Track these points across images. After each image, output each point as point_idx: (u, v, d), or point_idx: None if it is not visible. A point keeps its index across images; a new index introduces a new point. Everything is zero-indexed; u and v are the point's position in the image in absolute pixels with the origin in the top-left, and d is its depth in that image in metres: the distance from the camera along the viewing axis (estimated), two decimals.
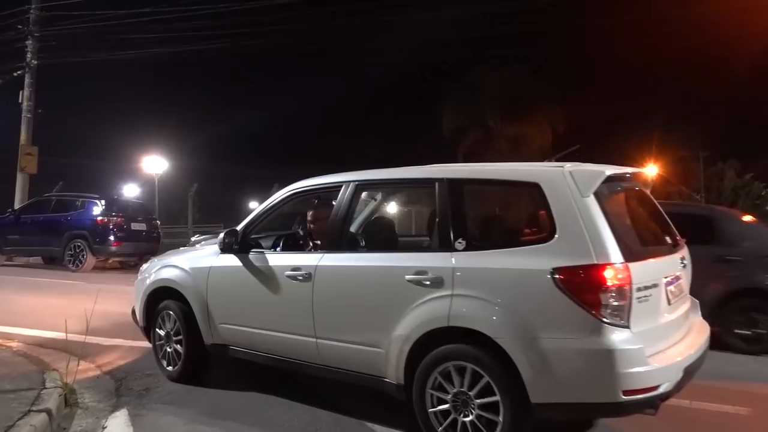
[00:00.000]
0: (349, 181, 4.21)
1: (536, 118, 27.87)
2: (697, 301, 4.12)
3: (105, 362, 5.48)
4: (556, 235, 3.20)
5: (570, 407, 3.14)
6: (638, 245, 3.43)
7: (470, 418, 3.34)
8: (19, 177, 18.97)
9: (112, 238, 13.56)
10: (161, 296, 5.07)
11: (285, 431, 3.88)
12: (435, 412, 3.47)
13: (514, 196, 3.96)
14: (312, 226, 4.91)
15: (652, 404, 3.12)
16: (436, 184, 3.73)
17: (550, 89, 28.24)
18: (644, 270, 3.21)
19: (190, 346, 4.80)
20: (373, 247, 4.27)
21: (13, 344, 5.97)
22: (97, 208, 13.73)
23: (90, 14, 19.05)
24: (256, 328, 4.42)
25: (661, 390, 3.08)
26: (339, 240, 4.12)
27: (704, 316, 4.14)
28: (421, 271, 3.54)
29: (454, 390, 3.40)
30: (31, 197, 17.86)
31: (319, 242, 4.55)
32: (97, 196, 14.10)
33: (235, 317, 4.57)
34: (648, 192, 4.08)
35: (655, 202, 4.10)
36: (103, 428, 3.95)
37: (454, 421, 3.40)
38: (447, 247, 3.53)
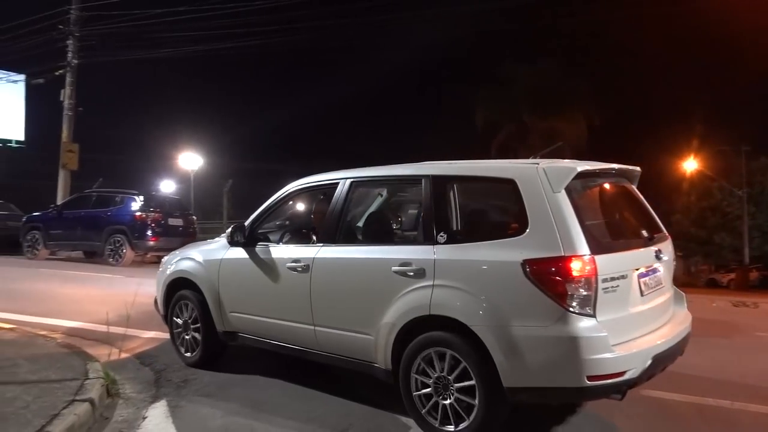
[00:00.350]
0: (345, 178, 4.48)
1: (570, 112, 27.48)
2: (683, 294, 4.27)
3: (145, 353, 5.62)
4: (528, 229, 3.40)
5: (539, 391, 3.33)
6: (608, 238, 3.64)
7: (450, 401, 3.58)
8: (61, 173, 19.50)
9: (149, 233, 13.91)
10: (179, 287, 5.40)
11: (319, 425, 3.92)
12: (419, 395, 3.72)
13: (495, 192, 4.12)
14: (313, 218, 5.10)
15: (618, 390, 3.29)
16: (423, 180, 3.99)
17: (584, 83, 27.83)
18: (612, 262, 3.38)
19: (207, 333, 5.12)
20: (366, 240, 4.48)
21: (57, 335, 6.14)
22: (136, 204, 14.07)
23: (127, 13, 19.48)
24: (262, 316, 4.72)
25: (626, 377, 3.25)
26: (335, 233, 4.36)
27: None
28: (405, 263, 3.79)
29: (436, 375, 3.63)
30: (72, 193, 18.35)
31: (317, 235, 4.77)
32: (135, 192, 14.45)
33: (243, 306, 4.88)
34: (631, 186, 4.22)
35: (638, 196, 4.23)
36: (144, 418, 4.04)
37: (436, 403, 3.63)
38: (430, 240, 3.77)
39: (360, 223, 4.80)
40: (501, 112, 28.54)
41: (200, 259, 5.27)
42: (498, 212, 4.11)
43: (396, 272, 3.80)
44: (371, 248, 4.20)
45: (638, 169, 4.22)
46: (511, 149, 27.62)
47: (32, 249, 15.22)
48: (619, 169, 4.07)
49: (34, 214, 15.94)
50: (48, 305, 8.04)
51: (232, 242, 4.91)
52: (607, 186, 4.05)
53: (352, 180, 4.45)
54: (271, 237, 5.03)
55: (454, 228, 3.80)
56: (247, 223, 4.95)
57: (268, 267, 4.64)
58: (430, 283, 3.64)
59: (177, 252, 5.82)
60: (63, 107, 19.50)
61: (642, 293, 3.60)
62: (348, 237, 4.45)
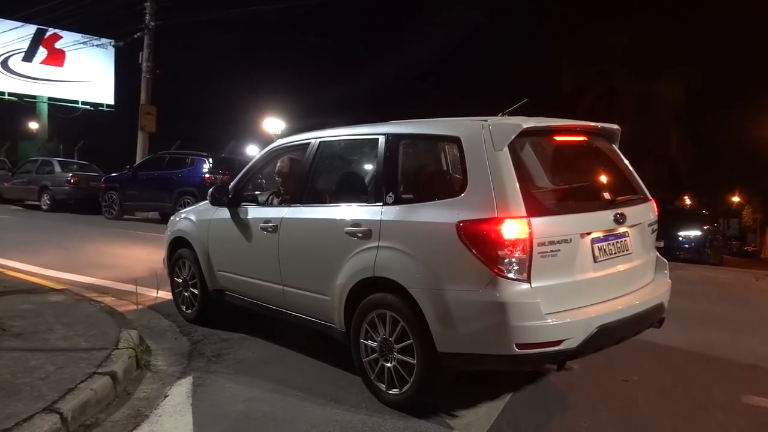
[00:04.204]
0: (314, 138, 4.47)
1: (668, 74, 25.39)
2: (665, 261, 4.05)
3: (187, 323, 5.38)
4: (467, 189, 3.28)
5: (471, 358, 3.23)
6: (552, 200, 3.45)
7: (393, 363, 3.54)
8: (139, 135, 20.04)
9: None
10: (179, 246, 5.57)
11: (350, 415, 3.47)
12: (368, 361, 3.72)
13: (444, 151, 4.11)
14: (280, 180, 5.05)
15: (554, 360, 3.16)
16: (379, 139, 3.89)
17: (685, 41, 25.50)
18: (552, 225, 3.20)
19: (202, 291, 5.28)
20: (328, 200, 4.39)
21: (107, 299, 6.04)
22: (206, 166, 13.99)
23: None
24: (242, 275, 4.84)
25: (563, 347, 3.09)
26: (302, 194, 4.39)
27: None
28: (355, 224, 3.78)
29: (381, 337, 3.60)
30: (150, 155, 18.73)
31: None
32: (205, 153, 14.35)
33: (227, 265, 5.01)
34: (609, 145, 3.98)
35: (616, 156, 3.97)
36: (165, 396, 3.74)
37: (382, 368, 3.61)
38: (379, 200, 3.72)
39: (324, 184, 4.69)
40: (589, 75, 26.81)
41: (195, 218, 5.42)
42: (445, 172, 4.02)
43: (347, 233, 3.79)
44: (329, 209, 4.17)
45: (615, 127, 3.97)
46: (600, 115, 25.96)
47: (109, 209, 15.67)
48: (587, 127, 3.87)
49: (112, 174, 16.40)
50: (108, 267, 8.07)
51: (213, 202, 5.01)
52: (569, 144, 3.87)
53: (320, 140, 4.42)
54: (260, 198, 5.07)
55: (402, 188, 3.73)
56: (231, 184, 5.03)
57: (246, 227, 4.74)
58: (376, 244, 3.61)
59: (181, 212, 5.93)
60: (141, 70, 19.85)
61: (595, 259, 3.39)
62: (313, 197, 4.41)
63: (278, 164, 4.97)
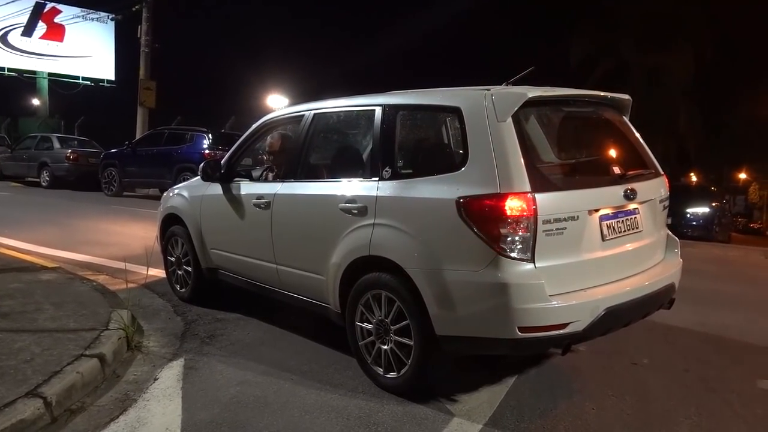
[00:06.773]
0: (308, 110, 4.27)
1: (679, 46, 24.82)
2: (676, 240, 3.87)
3: (182, 302, 5.24)
4: (468, 163, 3.10)
5: (471, 341, 3.08)
6: (558, 174, 3.30)
7: (389, 346, 3.40)
8: (139, 111, 19.76)
9: None
10: (171, 223, 5.41)
11: (346, 400, 3.31)
12: (364, 344, 3.57)
13: (444, 122, 3.89)
14: (271, 156, 4.92)
15: (559, 344, 2.99)
16: (375, 110, 3.71)
17: (699, 10, 24.84)
18: (557, 201, 3.03)
19: (195, 269, 5.14)
20: (322, 175, 4.22)
21: (100, 277, 5.90)
22: (205, 142, 13.75)
23: None
24: (235, 253, 4.69)
25: (568, 330, 2.93)
26: (296, 169, 4.20)
27: None
28: (350, 200, 3.60)
29: (377, 318, 3.46)
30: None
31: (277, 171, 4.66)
32: (204, 129, 14.12)
33: (220, 243, 4.87)
34: (619, 117, 3.78)
35: (627, 128, 3.77)
36: (155, 380, 3.60)
37: (379, 351, 3.48)
38: (375, 175, 3.55)
39: (319, 158, 4.47)
40: (599, 47, 26.26)
41: (187, 195, 5.24)
42: (444, 145, 3.81)
43: (342, 210, 3.63)
44: (324, 184, 4.00)
45: (627, 97, 3.76)
46: (609, 90, 25.49)
47: (109, 186, 15.51)
48: (596, 97, 3.66)
49: (111, 150, 16.19)
50: (105, 244, 7.93)
51: (205, 178, 4.85)
52: (577, 116, 3.68)
53: (314, 112, 4.23)
54: (254, 173, 4.90)
55: (399, 162, 3.56)
56: (224, 159, 4.86)
57: (239, 204, 4.58)
58: (371, 221, 3.44)
59: (174, 188, 5.73)
60: (140, 44, 19.51)
61: (603, 238, 3.21)
62: (308, 172, 4.22)
63: (267, 141, 4.79)
